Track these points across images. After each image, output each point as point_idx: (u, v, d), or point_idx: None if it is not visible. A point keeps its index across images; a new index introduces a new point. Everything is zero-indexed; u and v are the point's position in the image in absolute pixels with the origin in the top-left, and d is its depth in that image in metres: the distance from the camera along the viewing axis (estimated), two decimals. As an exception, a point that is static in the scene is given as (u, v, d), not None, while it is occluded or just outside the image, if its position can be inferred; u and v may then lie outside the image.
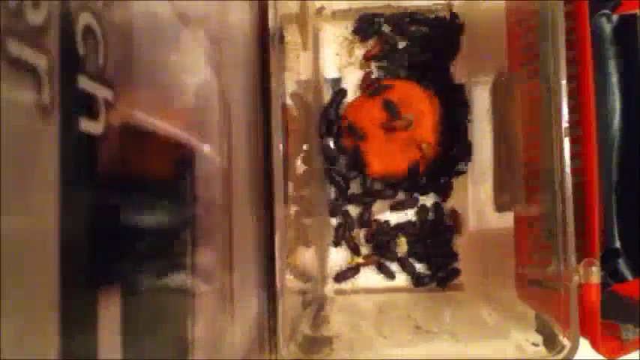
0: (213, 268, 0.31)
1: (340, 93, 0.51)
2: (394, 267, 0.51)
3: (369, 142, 0.48)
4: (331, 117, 0.50)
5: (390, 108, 0.47)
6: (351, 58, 0.52)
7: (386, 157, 0.48)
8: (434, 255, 0.50)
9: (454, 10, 0.51)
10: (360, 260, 0.51)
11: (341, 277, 0.50)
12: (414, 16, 0.51)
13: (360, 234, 0.51)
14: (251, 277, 0.38)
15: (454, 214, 0.51)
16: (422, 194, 0.51)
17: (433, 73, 0.51)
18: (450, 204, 0.51)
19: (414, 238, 0.51)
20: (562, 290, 0.33)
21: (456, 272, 0.50)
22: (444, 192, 0.51)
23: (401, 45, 0.51)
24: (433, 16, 0.51)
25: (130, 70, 0.21)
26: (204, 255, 0.30)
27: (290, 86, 0.40)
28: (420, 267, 0.51)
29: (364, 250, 0.51)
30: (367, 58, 0.51)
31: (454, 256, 0.51)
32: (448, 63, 0.51)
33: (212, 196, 0.32)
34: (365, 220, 0.50)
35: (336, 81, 0.52)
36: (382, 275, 0.50)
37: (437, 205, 0.51)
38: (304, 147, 0.45)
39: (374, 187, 0.51)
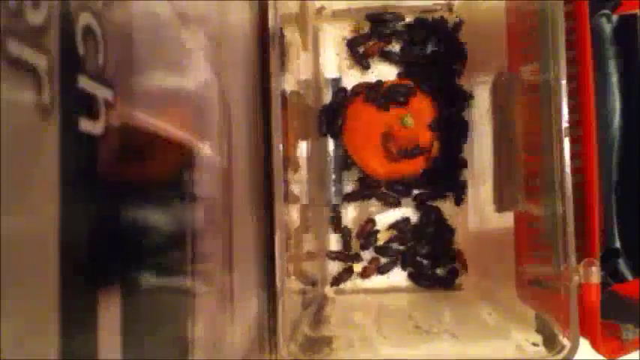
0: (213, 268, 0.31)
1: (340, 93, 0.51)
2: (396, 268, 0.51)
3: (370, 145, 0.48)
4: (331, 117, 0.50)
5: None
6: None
7: (387, 158, 0.49)
8: (434, 255, 0.51)
9: (454, 10, 0.51)
10: (358, 269, 0.51)
11: (339, 280, 0.50)
12: (418, 18, 0.51)
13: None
14: (251, 277, 0.38)
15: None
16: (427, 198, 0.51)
17: (436, 77, 0.51)
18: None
19: (414, 238, 0.51)
20: (562, 290, 0.33)
21: (456, 272, 0.50)
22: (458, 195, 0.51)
23: (401, 45, 0.52)
24: (434, 16, 0.51)
25: (130, 70, 0.21)
26: (204, 255, 0.30)
27: (290, 86, 0.40)
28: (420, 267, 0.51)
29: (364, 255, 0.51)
30: (368, 56, 0.51)
31: (454, 257, 0.51)
32: (452, 71, 0.51)
33: (212, 196, 0.32)
34: (362, 223, 0.51)
35: (336, 81, 0.52)
36: (386, 275, 0.51)
37: (437, 209, 0.51)
38: (304, 147, 0.45)
39: (375, 190, 0.51)
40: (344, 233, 0.51)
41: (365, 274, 0.50)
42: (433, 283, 0.50)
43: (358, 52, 0.51)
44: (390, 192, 0.51)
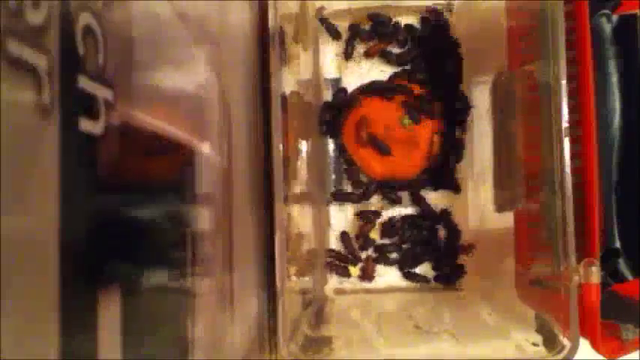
0: (213, 269, 0.31)
1: (340, 93, 0.51)
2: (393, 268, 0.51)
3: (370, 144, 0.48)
4: (331, 117, 0.50)
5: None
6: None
7: (386, 158, 0.49)
8: (436, 255, 0.51)
9: (454, 10, 0.51)
10: (358, 272, 0.51)
11: (335, 270, 0.50)
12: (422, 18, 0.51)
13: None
14: (251, 277, 0.38)
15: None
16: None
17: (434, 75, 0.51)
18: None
19: (413, 237, 0.51)
20: (562, 290, 0.33)
21: (461, 269, 0.50)
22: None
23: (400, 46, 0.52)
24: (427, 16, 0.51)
25: (130, 70, 0.21)
26: (204, 255, 0.30)
27: (290, 86, 0.40)
28: (421, 267, 0.51)
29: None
30: (369, 55, 0.51)
31: (456, 256, 0.50)
32: (448, 66, 0.51)
33: (212, 196, 0.32)
34: (361, 224, 0.51)
35: (336, 81, 0.52)
36: (385, 273, 0.51)
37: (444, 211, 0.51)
38: (304, 147, 0.45)
39: (374, 190, 0.51)
40: (343, 238, 0.50)
41: (366, 274, 0.50)
42: (435, 280, 0.50)
43: (353, 40, 0.51)
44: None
